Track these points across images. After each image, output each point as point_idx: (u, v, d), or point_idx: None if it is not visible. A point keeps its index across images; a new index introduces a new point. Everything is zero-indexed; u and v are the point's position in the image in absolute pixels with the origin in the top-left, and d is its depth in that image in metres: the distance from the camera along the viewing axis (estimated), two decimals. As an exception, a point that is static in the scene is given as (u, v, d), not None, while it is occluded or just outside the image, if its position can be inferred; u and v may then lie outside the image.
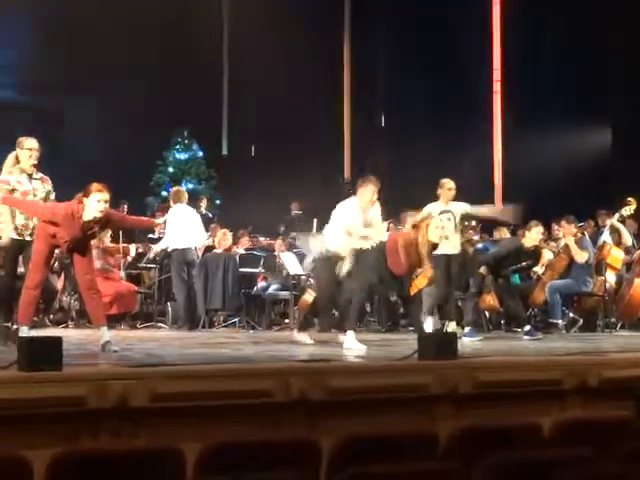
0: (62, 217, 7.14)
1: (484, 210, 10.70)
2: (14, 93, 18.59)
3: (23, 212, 7.75)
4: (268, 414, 4.99)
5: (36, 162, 7.92)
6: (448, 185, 10.04)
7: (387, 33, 18.96)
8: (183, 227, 12.22)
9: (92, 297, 7.50)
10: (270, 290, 13.10)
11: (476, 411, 5.41)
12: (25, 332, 7.14)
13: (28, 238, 7.80)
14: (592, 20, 15.92)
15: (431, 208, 9.88)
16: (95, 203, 7.09)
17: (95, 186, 7.15)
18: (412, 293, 10.61)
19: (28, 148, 7.90)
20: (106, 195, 7.16)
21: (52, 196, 8.02)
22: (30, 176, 7.91)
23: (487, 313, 12.19)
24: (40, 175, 7.99)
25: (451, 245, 9.96)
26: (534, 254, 10.70)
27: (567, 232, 11.83)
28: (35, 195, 7.87)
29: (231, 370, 5.56)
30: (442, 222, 9.88)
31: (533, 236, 10.46)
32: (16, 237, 7.85)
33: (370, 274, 8.73)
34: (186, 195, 12.65)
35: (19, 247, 7.91)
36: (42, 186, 7.96)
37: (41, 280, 7.50)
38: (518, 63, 16.70)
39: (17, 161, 7.94)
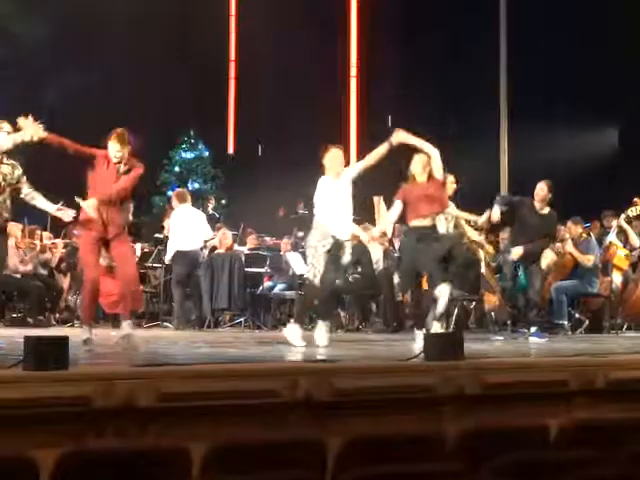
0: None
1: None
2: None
3: (69, 149, 7.66)
4: (274, 414, 4.98)
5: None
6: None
7: (394, 31, 18.90)
8: (186, 228, 12.24)
9: None
10: (276, 290, 13.12)
11: (483, 412, 5.40)
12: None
13: None
14: (599, 19, 15.88)
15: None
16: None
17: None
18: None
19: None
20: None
21: (24, 179, 7.86)
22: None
23: (493, 314, 12.18)
24: (11, 162, 7.83)
25: None
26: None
27: (573, 233, 11.82)
28: (5, 180, 7.76)
29: (237, 370, 5.56)
30: None
31: None
32: None
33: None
34: (189, 196, 12.67)
35: None
36: (12, 171, 7.79)
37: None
38: (526, 62, 16.66)
39: None
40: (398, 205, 9.04)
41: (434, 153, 8.82)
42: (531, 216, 10.25)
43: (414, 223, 8.85)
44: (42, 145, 7.54)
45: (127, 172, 7.78)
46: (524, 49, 16.68)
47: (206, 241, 12.76)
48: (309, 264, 8.35)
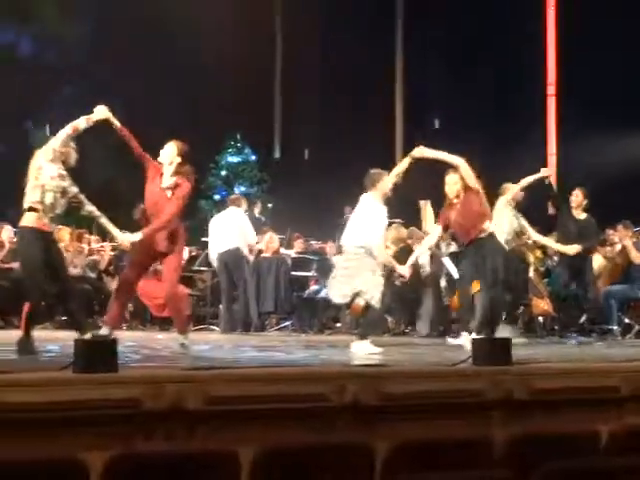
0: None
1: None
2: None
3: (134, 149, 7.69)
4: (322, 418, 4.98)
5: None
6: None
7: (441, 34, 18.84)
8: (221, 231, 12.34)
9: None
10: (322, 294, 13.10)
11: (532, 418, 5.36)
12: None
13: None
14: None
15: None
16: None
17: None
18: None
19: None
20: None
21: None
22: None
23: (540, 318, 12.10)
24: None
25: None
26: None
27: (623, 237, 11.72)
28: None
29: (285, 374, 5.57)
30: None
31: None
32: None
33: None
34: (242, 201, 12.71)
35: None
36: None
37: None
38: (577, 65, 16.53)
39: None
40: (437, 230, 9.27)
41: (459, 162, 8.81)
42: (570, 222, 10.80)
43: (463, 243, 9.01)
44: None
45: (174, 187, 7.71)
46: (571, 55, 16.58)
47: (250, 245, 12.76)
48: (366, 287, 8.36)
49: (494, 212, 9.59)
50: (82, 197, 7.48)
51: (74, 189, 7.39)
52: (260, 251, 13.27)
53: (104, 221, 7.64)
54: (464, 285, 9.06)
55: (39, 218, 7.20)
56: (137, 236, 7.60)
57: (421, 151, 8.87)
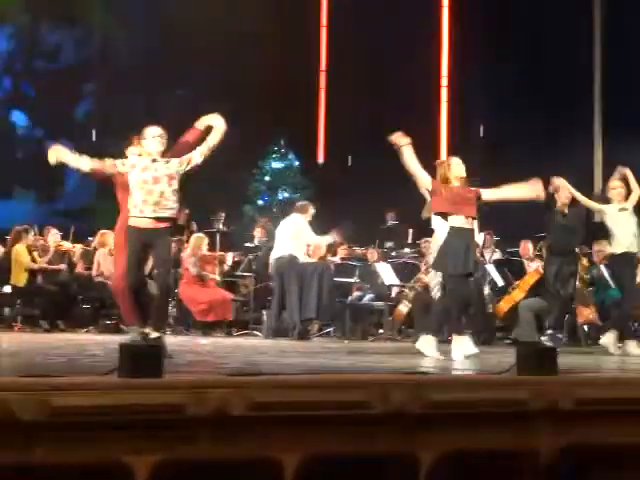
0: None
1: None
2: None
3: None
4: (366, 426, 4.96)
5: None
6: None
7: (484, 40, 18.71)
8: (277, 237, 12.38)
9: None
10: (365, 300, 13.11)
11: (577, 429, 5.30)
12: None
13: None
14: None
15: None
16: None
17: None
18: None
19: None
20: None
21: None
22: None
23: (585, 327, 12.00)
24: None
25: None
26: None
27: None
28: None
29: (328, 380, 5.56)
30: None
31: None
32: None
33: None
34: (306, 208, 12.73)
35: None
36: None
37: None
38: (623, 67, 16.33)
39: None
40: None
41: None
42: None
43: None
44: None
45: None
46: (618, 60, 16.40)
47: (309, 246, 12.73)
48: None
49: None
50: None
51: None
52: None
53: None
54: None
55: None
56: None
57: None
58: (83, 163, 7.62)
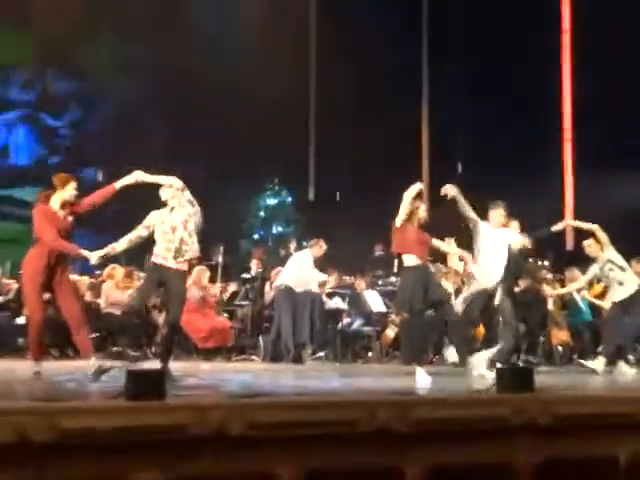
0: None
1: None
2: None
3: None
4: (355, 443, 4.94)
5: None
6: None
7: (464, 83, 18.80)
8: (285, 269, 12.49)
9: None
10: (354, 326, 13.09)
11: (554, 443, 5.27)
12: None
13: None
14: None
15: None
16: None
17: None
18: None
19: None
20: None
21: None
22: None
23: (560, 347, 12.00)
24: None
25: None
26: None
27: (637, 270, 11.60)
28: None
29: (320, 401, 5.53)
30: None
31: None
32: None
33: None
34: (314, 246, 12.79)
35: None
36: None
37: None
38: (592, 109, 16.35)
39: None
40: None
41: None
42: None
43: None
44: None
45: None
46: (587, 95, 16.39)
47: (320, 282, 12.83)
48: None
49: None
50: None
51: None
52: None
53: None
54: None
55: None
56: None
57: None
58: (122, 245, 7.86)
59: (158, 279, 7.84)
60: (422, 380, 7.90)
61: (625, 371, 9.47)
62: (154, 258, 7.85)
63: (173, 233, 7.80)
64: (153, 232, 7.89)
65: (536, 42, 17.27)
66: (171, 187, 7.81)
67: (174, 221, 7.83)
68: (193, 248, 7.84)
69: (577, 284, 10.97)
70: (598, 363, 9.65)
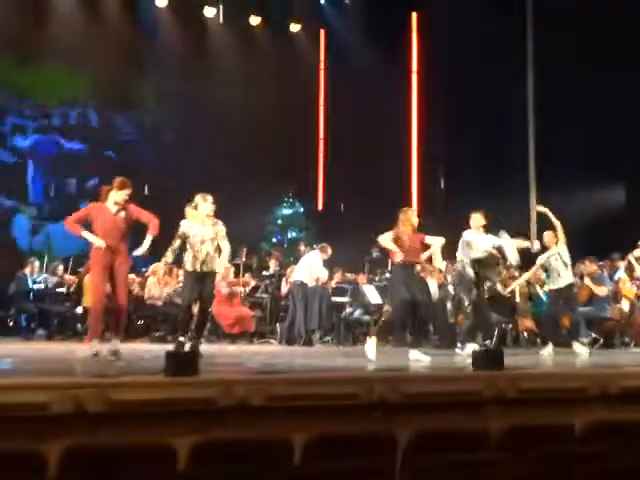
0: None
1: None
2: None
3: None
4: (355, 412, 4.94)
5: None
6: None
7: (448, 104, 18.28)
8: (298, 266, 12.44)
9: None
10: (355, 315, 13.07)
11: (520, 412, 5.26)
12: None
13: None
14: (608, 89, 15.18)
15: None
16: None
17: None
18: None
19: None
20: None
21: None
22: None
23: (526, 334, 11.95)
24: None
25: None
26: None
27: (589, 269, 11.57)
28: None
29: (326, 377, 5.54)
30: None
31: None
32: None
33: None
34: (322, 248, 12.79)
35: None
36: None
37: None
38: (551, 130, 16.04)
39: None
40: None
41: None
42: None
43: None
44: None
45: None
46: (549, 115, 16.06)
47: (319, 279, 12.80)
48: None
49: None
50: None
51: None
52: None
53: None
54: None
55: None
56: None
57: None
58: (171, 256, 7.80)
59: (194, 281, 7.77)
60: (420, 358, 7.89)
61: (580, 351, 9.42)
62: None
63: (202, 245, 7.69)
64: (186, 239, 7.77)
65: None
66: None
67: (205, 235, 7.72)
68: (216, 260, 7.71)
69: (528, 273, 10.95)
70: (547, 349, 9.63)
